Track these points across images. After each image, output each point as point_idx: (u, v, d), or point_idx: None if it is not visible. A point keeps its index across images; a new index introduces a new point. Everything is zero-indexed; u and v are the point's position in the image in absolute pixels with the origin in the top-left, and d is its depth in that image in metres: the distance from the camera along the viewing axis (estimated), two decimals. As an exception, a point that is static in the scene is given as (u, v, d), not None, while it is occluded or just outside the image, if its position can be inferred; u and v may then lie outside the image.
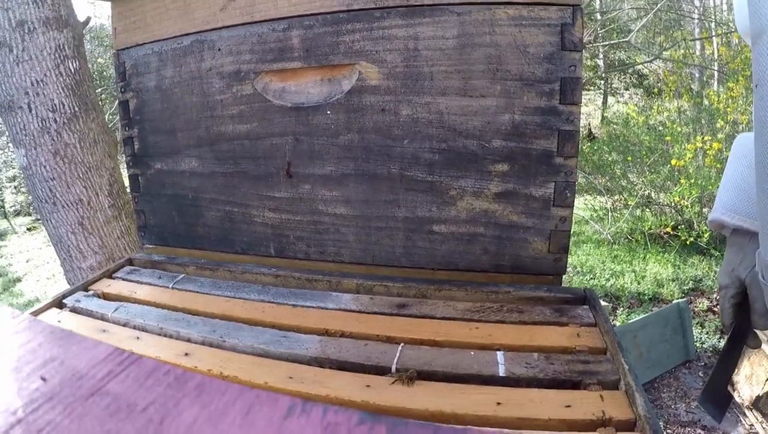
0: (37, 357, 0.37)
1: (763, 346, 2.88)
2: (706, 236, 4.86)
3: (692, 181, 4.75)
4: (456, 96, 0.92)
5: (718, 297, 0.79)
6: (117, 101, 1.25)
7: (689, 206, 5.05)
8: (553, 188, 0.91)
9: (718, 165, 4.92)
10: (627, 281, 4.66)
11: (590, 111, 12.28)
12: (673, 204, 5.39)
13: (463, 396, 0.65)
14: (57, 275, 6.22)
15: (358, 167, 1.00)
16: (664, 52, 7.46)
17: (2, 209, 9.31)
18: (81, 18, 2.01)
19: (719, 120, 5.14)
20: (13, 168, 8.98)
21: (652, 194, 5.86)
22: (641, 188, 5.90)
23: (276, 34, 1.00)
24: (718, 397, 0.90)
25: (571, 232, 0.96)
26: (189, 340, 0.83)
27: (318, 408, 0.31)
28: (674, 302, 3.61)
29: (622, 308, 4.30)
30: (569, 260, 0.94)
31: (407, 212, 0.99)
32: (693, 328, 3.68)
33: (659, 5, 6.81)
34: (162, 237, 1.24)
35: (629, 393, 0.63)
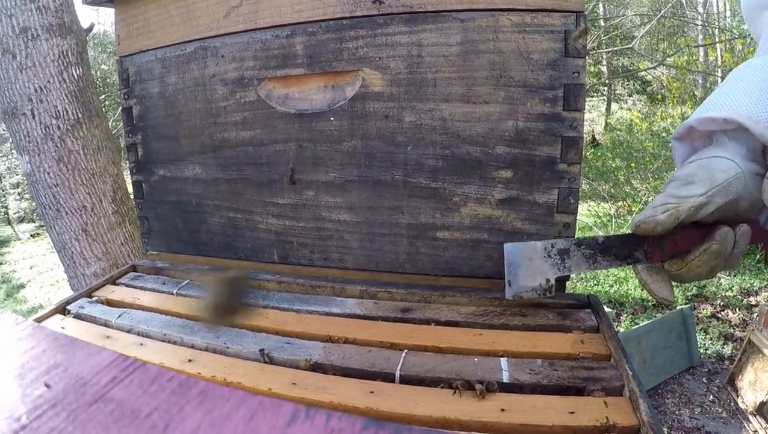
0: (40, 363, 0.37)
1: (766, 352, 2.87)
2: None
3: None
4: (459, 103, 0.92)
5: (660, 207, 0.74)
6: (120, 108, 1.26)
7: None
8: (557, 194, 0.91)
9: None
10: (631, 287, 4.66)
11: (594, 117, 12.31)
12: (676, 210, 5.38)
13: (467, 403, 0.64)
14: (61, 281, 6.24)
15: (361, 174, 1.00)
16: (667, 59, 7.48)
17: (6, 216, 9.35)
18: (84, 25, 2.02)
19: (722, 126, 5.13)
20: (17, 175, 9.02)
21: (656, 200, 5.85)
22: (645, 195, 5.91)
23: (279, 40, 1.00)
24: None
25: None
26: (193, 346, 0.83)
27: (321, 415, 0.31)
28: (678, 308, 3.61)
29: (625, 315, 4.30)
30: (573, 266, 0.93)
31: (411, 218, 0.99)
32: (697, 334, 3.68)
33: (663, 12, 6.81)
34: (166, 244, 1.25)
35: (633, 400, 0.62)
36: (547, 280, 0.82)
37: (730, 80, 0.85)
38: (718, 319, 4.16)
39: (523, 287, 0.82)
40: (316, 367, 0.75)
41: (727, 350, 3.70)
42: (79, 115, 1.87)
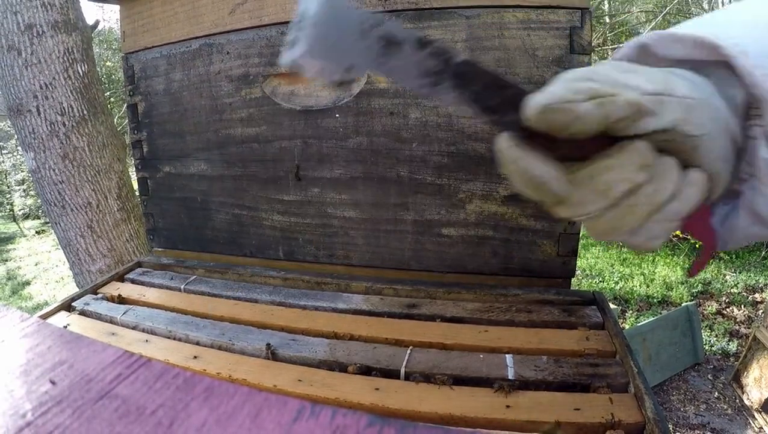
0: (46, 360, 0.37)
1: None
2: (715, 239, 4.83)
3: (701, 184, 4.72)
4: (464, 99, 0.91)
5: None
6: (125, 105, 1.26)
7: (698, 209, 5.03)
8: (562, 190, 0.91)
9: (728, 168, 4.89)
10: (636, 284, 4.65)
11: (598, 113, 12.26)
12: (682, 207, 5.36)
13: (472, 399, 0.64)
14: (66, 278, 6.25)
15: (366, 170, 1.00)
16: (672, 55, 7.40)
17: (11, 213, 9.37)
18: (90, 21, 2.02)
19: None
20: (22, 171, 9.04)
21: (661, 197, 5.84)
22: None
23: (284, 37, 1.00)
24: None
25: (580, 235, 0.96)
26: (198, 343, 0.83)
27: (327, 411, 0.31)
28: (683, 305, 3.60)
29: (631, 311, 4.29)
30: (578, 263, 0.93)
31: (416, 215, 0.99)
32: (702, 331, 3.67)
33: (668, 8, 6.77)
34: (171, 240, 1.25)
35: (638, 396, 0.62)
36: (348, 68, 0.46)
37: (727, 7, 0.54)
38: (723, 316, 4.15)
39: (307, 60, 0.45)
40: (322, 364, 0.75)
41: (732, 347, 3.69)
42: (85, 112, 1.88)
